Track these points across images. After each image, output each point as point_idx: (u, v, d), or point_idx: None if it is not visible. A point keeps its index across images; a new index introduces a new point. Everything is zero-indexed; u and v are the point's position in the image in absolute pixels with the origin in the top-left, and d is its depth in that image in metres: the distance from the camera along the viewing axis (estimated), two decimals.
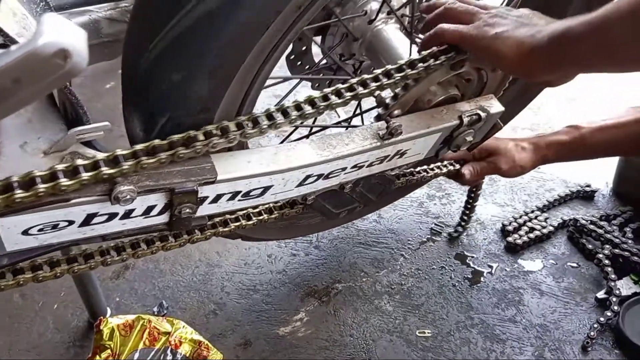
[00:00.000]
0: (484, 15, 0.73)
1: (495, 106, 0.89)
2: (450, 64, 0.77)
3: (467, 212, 1.33)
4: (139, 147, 0.56)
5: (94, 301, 1.09)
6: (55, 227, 0.57)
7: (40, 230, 0.57)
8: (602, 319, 1.10)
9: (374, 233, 1.36)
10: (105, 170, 0.53)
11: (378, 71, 0.72)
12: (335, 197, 0.88)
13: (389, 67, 0.71)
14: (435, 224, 1.38)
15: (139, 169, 0.57)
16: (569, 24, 0.63)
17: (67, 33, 0.31)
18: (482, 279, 1.25)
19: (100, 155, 0.54)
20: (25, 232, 0.56)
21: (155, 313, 1.15)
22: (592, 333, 1.09)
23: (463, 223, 1.34)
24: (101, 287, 1.11)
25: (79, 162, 0.52)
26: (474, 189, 1.30)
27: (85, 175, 0.51)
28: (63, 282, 1.18)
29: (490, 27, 0.70)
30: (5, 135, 0.58)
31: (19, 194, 0.50)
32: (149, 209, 0.62)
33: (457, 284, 1.24)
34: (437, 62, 0.73)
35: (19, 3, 0.59)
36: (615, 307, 1.11)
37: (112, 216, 0.60)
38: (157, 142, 0.59)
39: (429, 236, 1.35)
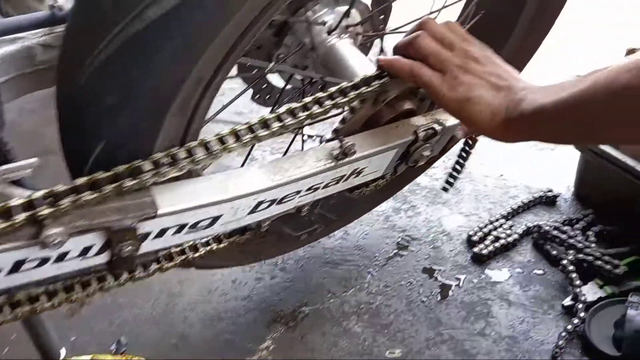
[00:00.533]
0: (455, 68, 0.67)
1: (451, 119, 0.88)
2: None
3: (458, 167, 1.19)
4: (61, 188, 0.52)
5: (45, 343, 1.02)
6: None
7: None
8: (569, 326, 1.10)
9: (340, 251, 1.33)
10: (21, 217, 0.48)
11: (332, 89, 0.69)
12: (292, 220, 0.85)
13: (333, 89, 0.69)
14: (402, 238, 1.36)
15: (73, 208, 0.53)
16: (543, 102, 0.59)
17: None
18: (450, 292, 1.23)
19: (18, 200, 0.50)
20: None
21: (114, 351, 1.09)
22: (560, 342, 1.08)
23: (451, 180, 1.21)
24: (55, 327, 1.04)
25: (13, 202, 0.48)
26: (468, 146, 1.13)
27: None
28: (15, 324, 1.10)
29: (463, 88, 0.65)
30: None
31: None
32: (86, 250, 0.57)
33: (425, 299, 1.22)
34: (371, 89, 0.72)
35: None
36: (582, 314, 1.11)
37: (43, 261, 0.55)
38: (99, 174, 0.56)
39: (396, 250, 1.33)
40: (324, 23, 0.89)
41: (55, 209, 0.52)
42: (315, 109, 0.67)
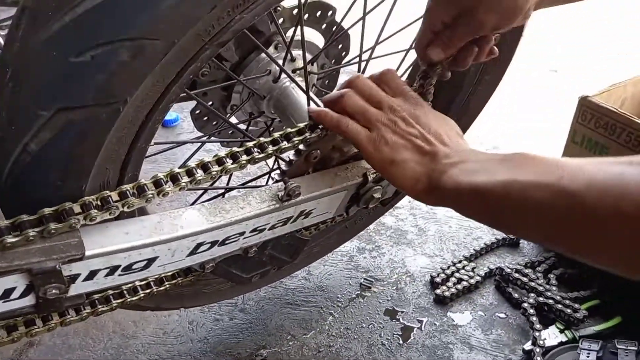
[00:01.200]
0: (382, 126, 0.65)
1: None
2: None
3: None
4: None
5: None
6: None
7: None
8: None
9: (302, 291, 1.31)
10: None
11: (263, 139, 0.70)
12: (241, 261, 0.84)
13: (275, 134, 0.70)
14: (365, 279, 1.35)
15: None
16: (460, 182, 0.57)
17: None
18: (412, 335, 1.21)
19: None
20: None
21: None
22: None
23: None
24: None
25: None
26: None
27: None
28: None
29: (388, 149, 0.64)
30: None
31: None
32: (7, 292, 0.55)
33: (386, 342, 1.19)
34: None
35: None
36: (538, 359, 1.09)
37: None
38: (24, 217, 0.55)
39: (359, 292, 1.31)
40: (269, 72, 0.90)
41: None
42: (244, 158, 0.67)
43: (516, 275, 1.27)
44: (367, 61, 0.93)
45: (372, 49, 0.92)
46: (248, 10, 0.59)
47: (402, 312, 1.26)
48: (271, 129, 1.06)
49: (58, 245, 0.55)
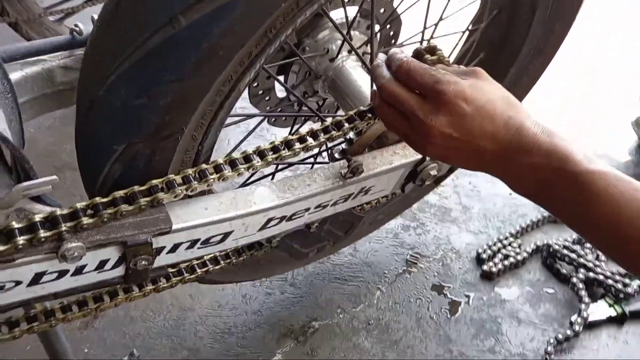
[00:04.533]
0: (430, 135, 0.59)
1: None
2: None
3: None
4: (81, 205, 0.55)
5: (60, 355, 1.05)
6: (1, 288, 0.55)
7: None
8: (559, 335, 1.11)
9: (349, 267, 1.34)
10: (43, 234, 0.51)
11: (326, 123, 0.71)
12: (302, 236, 0.87)
13: (338, 117, 0.71)
14: (411, 255, 1.37)
15: (94, 225, 0.56)
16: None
17: None
18: (459, 309, 1.23)
19: (40, 216, 0.52)
20: None
21: None
22: (549, 349, 1.10)
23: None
24: (69, 339, 1.06)
25: (14, 224, 0.50)
26: None
27: (20, 240, 0.50)
28: (29, 335, 1.13)
29: (444, 154, 0.61)
30: None
31: None
32: (102, 263, 0.60)
33: (434, 315, 1.22)
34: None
35: None
36: (577, 328, 1.12)
37: (62, 273, 0.58)
38: (117, 193, 0.58)
39: (405, 268, 1.34)
40: (327, 51, 0.92)
41: (74, 224, 0.54)
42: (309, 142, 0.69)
43: (565, 251, 1.28)
44: (428, 41, 0.94)
45: (435, 26, 0.92)
46: None
47: (449, 287, 1.28)
48: (322, 107, 1.08)
49: (148, 219, 0.59)
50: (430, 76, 0.59)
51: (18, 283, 0.56)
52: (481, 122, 0.58)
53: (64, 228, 0.54)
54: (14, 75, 0.72)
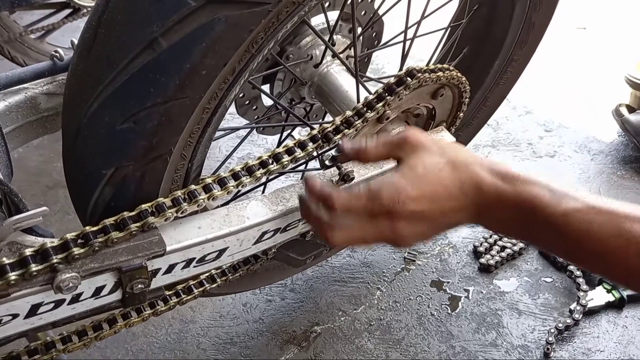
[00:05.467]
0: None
1: (446, 137, 0.90)
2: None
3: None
4: (71, 235, 0.55)
5: None
6: None
7: None
8: (560, 325, 1.12)
9: (348, 268, 1.35)
10: (35, 267, 0.51)
11: (313, 132, 0.71)
12: (298, 245, 0.87)
13: (325, 125, 0.71)
14: (409, 252, 1.37)
15: (85, 254, 0.56)
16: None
17: None
18: (459, 304, 1.24)
19: (32, 249, 0.52)
20: None
21: None
22: (550, 338, 1.11)
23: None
24: (72, 357, 1.06)
25: (5, 260, 0.50)
26: None
27: (12, 275, 0.49)
28: None
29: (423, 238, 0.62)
30: None
31: None
32: (99, 289, 0.60)
33: (435, 312, 1.23)
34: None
35: None
36: (577, 316, 1.13)
37: (59, 303, 0.58)
38: (107, 221, 0.58)
39: (403, 265, 1.34)
40: (310, 57, 0.92)
41: (66, 255, 0.54)
42: (298, 153, 0.70)
43: None
44: (412, 40, 0.94)
45: (418, 24, 0.92)
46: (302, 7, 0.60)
47: (448, 282, 1.29)
48: (310, 113, 1.08)
49: (141, 244, 0.59)
50: (365, 199, 0.58)
51: (15, 316, 0.55)
52: (441, 205, 0.57)
53: (55, 260, 0.53)
54: None
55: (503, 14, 0.98)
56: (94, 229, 0.57)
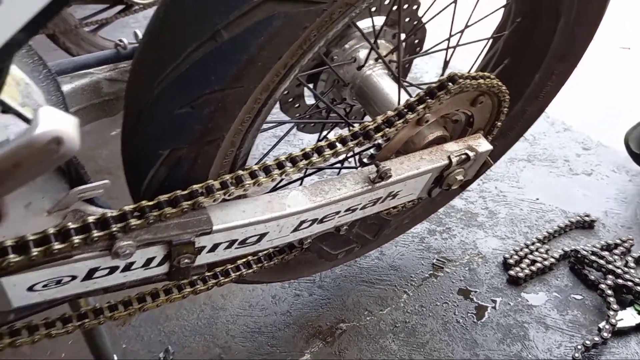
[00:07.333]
0: None
1: (483, 145, 0.92)
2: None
3: None
4: (130, 207, 0.60)
5: (101, 349, 1.10)
6: (58, 282, 0.60)
7: (44, 286, 0.59)
8: (587, 342, 1.11)
9: (376, 270, 1.37)
10: (97, 233, 0.56)
11: (354, 129, 0.75)
12: (332, 239, 0.90)
13: (367, 124, 0.74)
14: (437, 259, 1.39)
15: (141, 226, 0.60)
16: None
17: (60, 122, 0.35)
18: (486, 314, 1.24)
19: (94, 217, 0.57)
20: (30, 289, 0.59)
21: (162, 359, 1.16)
22: (576, 355, 1.10)
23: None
24: (108, 335, 1.12)
25: (70, 225, 0.55)
26: None
27: (76, 239, 0.54)
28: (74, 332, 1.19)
29: None
30: (10, 197, 0.61)
31: (34, 252, 0.53)
32: (149, 260, 0.64)
33: (461, 319, 1.23)
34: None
35: (22, 72, 0.63)
36: (605, 334, 1.11)
37: (113, 269, 0.62)
38: (162, 197, 0.63)
39: (431, 272, 1.36)
40: (354, 60, 0.95)
41: (124, 225, 0.59)
42: (339, 148, 0.73)
43: (593, 257, 1.27)
44: (454, 48, 0.96)
45: (461, 33, 0.95)
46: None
47: (476, 291, 1.30)
48: (350, 114, 1.11)
49: (191, 221, 0.64)
50: None
51: (73, 278, 0.60)
52: None
53: (114, 229, 0.58)
54: (65, 87, 0.78)
55: (546, 27, 1.00)
56: (150, 203, 0.61)
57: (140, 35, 0.79)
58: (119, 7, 1.96)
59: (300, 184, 1.16)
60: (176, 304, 1.28)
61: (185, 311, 1.27)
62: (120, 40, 0.83)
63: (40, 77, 0.66)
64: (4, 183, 0.37)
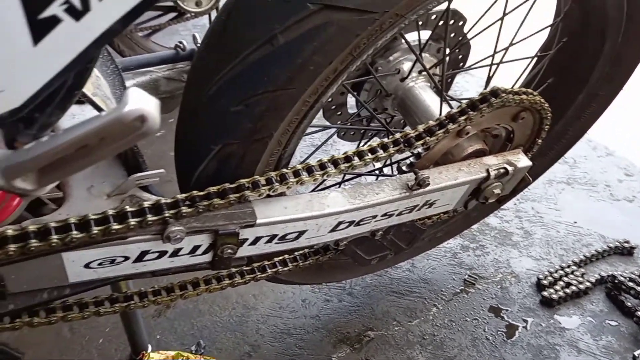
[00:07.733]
0: None
1: (523, 160, 0.92)
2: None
3: None
4: (182, 196, 0.64)
5: (137, 338, 1.15)
6: (112, 262, 0.64)
7: (99, 264, 0.64)
8: None
9: (407, 282, 1.38)
10: (151, 217, 0.60)
11: (396, 136, 0.77)
12: (366, 243, 0.92)
13: (408, 132, 0.77)
14: (469, 275, 1.38)
15: (191, 214, 0.64)
16: None
17: (146, 102, 0.39)
18: (516, 333, 1.23)
19: (149, 202, 0.61)
20: (87, 266, 0.63)
21: (193, 352, 1.20)
22: None
23: None
24: (143, 325, 1.17)
25: (128, 208, 0.59)
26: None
27: (132, 221, 0.59)
28: (109, 318, 1.25)
29: None
30: (74, 179, 0.66)
31: (94, 230, 0.58)
32: (195, 248, 0.68)
33: (490, 337, 1.23)
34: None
35: None
36: None
37: (162, 254, 0.66)
38: (211, 189, 0.67)
39: (463, 287, 1.35)
40: (398, 71, 0.98)
41: (176, 212, 0.63)
42: (380, 153, 0.76)
43: (630, 284, 1.25)
44: (498, 65, 0.98)
45: (505, 50, 0.96)
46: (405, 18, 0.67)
47: (507, 310, 1.29)
48: (390, 124, 1.14)
49: (237, 213, 0.67)
50: None
51: (126, 258, 0.65)
52: None
53: (167, 214, 0.62)
54: (127, 83, 0.84)
55: (592, 48, 1.00)
56: (200, 193, 0.65)
57: (198, 39, 0.85)
58: (172, 14, 2.05)
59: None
60: (209, 301, 1.32)
61: (217, 308, 1.31)
62: (180, 42, 0.88)
63: (108, 71, 0.71)
64: (86, 157, 0.42)
